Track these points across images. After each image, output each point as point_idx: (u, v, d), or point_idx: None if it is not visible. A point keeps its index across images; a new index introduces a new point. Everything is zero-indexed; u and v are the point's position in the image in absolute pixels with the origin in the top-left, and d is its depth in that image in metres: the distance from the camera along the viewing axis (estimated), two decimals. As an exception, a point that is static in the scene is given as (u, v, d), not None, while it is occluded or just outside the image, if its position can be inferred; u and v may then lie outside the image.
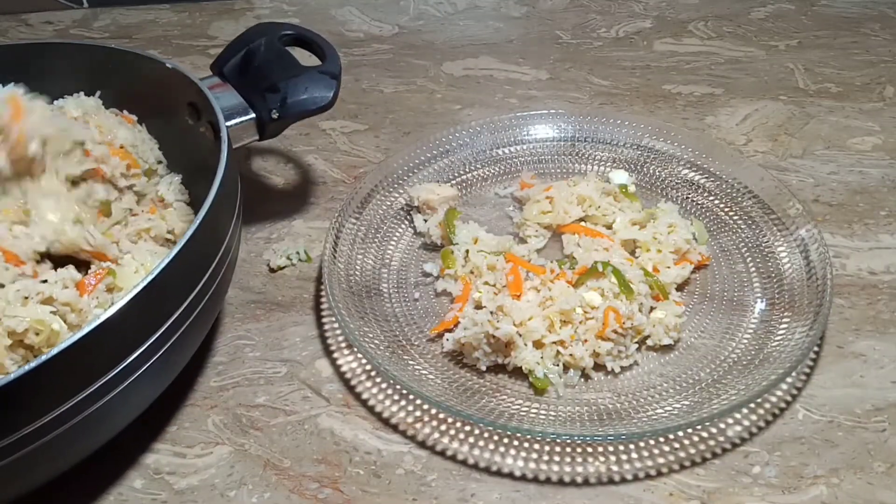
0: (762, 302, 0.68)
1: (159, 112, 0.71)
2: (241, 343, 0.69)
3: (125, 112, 0.72)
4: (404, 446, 0.60)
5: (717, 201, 0.78)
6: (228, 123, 0.65)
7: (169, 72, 0.67)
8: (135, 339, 0.50)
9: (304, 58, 0.72)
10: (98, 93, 0.72)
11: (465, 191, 0.81)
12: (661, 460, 0.58)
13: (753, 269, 0.71)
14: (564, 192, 0.75)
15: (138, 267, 0.60)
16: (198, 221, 0.53)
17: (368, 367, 0.65)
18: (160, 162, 0.72)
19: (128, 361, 0.49)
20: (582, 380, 0.63)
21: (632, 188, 0.78)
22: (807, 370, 0.63)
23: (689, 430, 0.59)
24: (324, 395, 0.64)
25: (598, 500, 0.56)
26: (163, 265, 0.49)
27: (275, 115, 0.68)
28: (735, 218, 0.76)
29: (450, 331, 0.66)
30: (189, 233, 0.52)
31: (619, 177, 0.79)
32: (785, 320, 0.65)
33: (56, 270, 0.57)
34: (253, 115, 0.68)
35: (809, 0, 1.15)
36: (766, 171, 0.77)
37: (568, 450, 0.58)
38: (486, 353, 0.63)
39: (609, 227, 0.74)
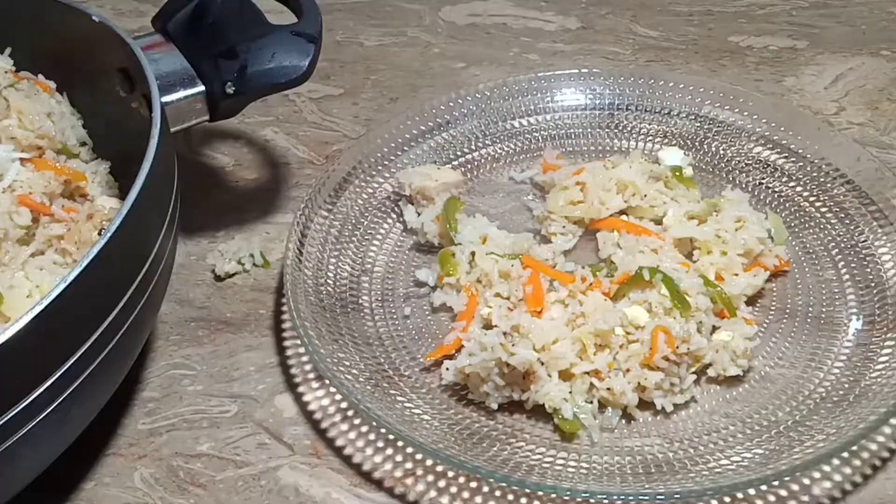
0: (858, 320, 0.68)
1: (84, 79, 0.71)
2: (178, 374, 0.69)
3: (40, 77, 0.72)
4: (391, 508, 0.60)
5: (799, 188, 0.78)
6: (167, 98, 0.65)
7: (95, 27, 0.66)
8: (21, 384, 0.49)
9: (276, 14, 0.71)
10: (8, 50, 0.72)
11: (470, 175, 0.81)
12: (726, 527, 0.58)
13: (847, 276, 0.71)
14: (600, 176, 0.75)
15: (32, 290, 0.60)
16: (109, 234, 0.52)
17: (344, 405, 0.65)
18: (84, 144, 0.72)
19: (10, 415, 0.49)
20: (623, 421, 0.63)
21: (688, 171, 0.78)
22: (917, 409, 0.63)
23: (764, 488, 0.59)
24: (286, 442, 0.64)
25: (645, 578, 0.56)
26: (58, 292, 0.49)
27: (230, 90, 0.67)
28: (823, 210, 0.76)
29: (450, 357, 0.66)
30: (95, 249, 0.51)
31: (672, 156, 0.79)
32: (889, 343, 0.65)
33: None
34: (201, 87, 0.67)
35: (920, -75, 1.15)
36: (863, 149, 0.77)
37: (605, 513, 0.59)
38: (498, 387, 0.63)
39: (658, 222, 0.74)
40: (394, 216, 0.78)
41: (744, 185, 0.79)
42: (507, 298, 0.68)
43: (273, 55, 0.68)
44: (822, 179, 0.77)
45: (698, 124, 0.83)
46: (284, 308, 0.71)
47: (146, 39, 0.70)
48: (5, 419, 0.49)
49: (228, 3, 0.69)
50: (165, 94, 0.65)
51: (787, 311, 0.70)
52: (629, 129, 0.84)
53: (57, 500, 0.61)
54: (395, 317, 0.70)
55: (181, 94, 0.67)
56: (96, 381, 0.54)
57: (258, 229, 0.80)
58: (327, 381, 0.65)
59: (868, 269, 0.71)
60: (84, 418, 0.58)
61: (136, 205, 0.54)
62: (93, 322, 0.53)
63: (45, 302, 0.48)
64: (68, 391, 0.52)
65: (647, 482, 0.58)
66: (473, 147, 0.83)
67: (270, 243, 0.78)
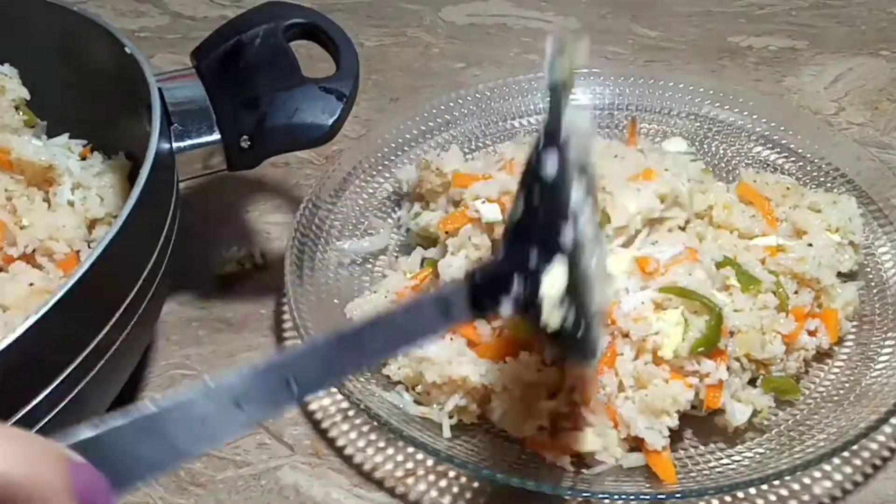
0: (857, 319, 0.68)
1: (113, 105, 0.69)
2: (179, 374, 0.69)
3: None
4: (392, 508, 0.60)
5: (799, 188, 0.78)
6: (181, 144, 0.63)
7: (126, 58, 0.64)
8: (24, 390, 0.49)
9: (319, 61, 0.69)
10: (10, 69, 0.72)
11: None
12: (727, 526, 0.58)
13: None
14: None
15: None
16: (109, 237, 0.52)
17: (345, 405, 0.65)
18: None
19: (13, 421, 0.48)
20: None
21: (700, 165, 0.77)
22: (917, 408, 0.63)
23: (765, 487, 0.59)
24: (286, 442, 0.64)
25: (646, 578, 0.56)
26: (59, 296, 0.48)
27: (244, 144, 0.64)
28: (823, 209, 0.76)
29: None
30: (96, 253, 0.51)
31: (676, 146, 0.79)
32: (889, 343, 0.65)
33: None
34: (217, 136, 0.65)
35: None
36: (863, 149, 0.77)
37: (605, 513, 0.59)
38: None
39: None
40: (394, 216, 0.78)
41: (744, 185, 0.79)
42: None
43: (296, 111, 0.65)
44: (821, 179, 0.77)
45: (698, 124, 0.83)
46: (285, 308, 0.71)
47: (173, 76, 0.68)
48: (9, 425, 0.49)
49: (265, 48, 0.67)
50: (182, 139, 0.64)
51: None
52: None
53: (57, 500, 0.61)
54: (395, 317, 0.70)
55: (192, 141, 0.65)
56: (99, 384, 0.54)
57: (258, 230, 0.80)
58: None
59: (868, 268, 0.71)
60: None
61: (136, 207, 0.54)
62: (94, 327, 0.53)
63: (45, 308, 0.48)
64: (71, 395, 0.52)
65: (647, 483, 0.58)
66: (474, 146, 0.83)
67: (270, 243, 0.78)
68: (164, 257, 0.60)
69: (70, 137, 0.73)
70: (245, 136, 0.64)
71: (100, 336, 0.53)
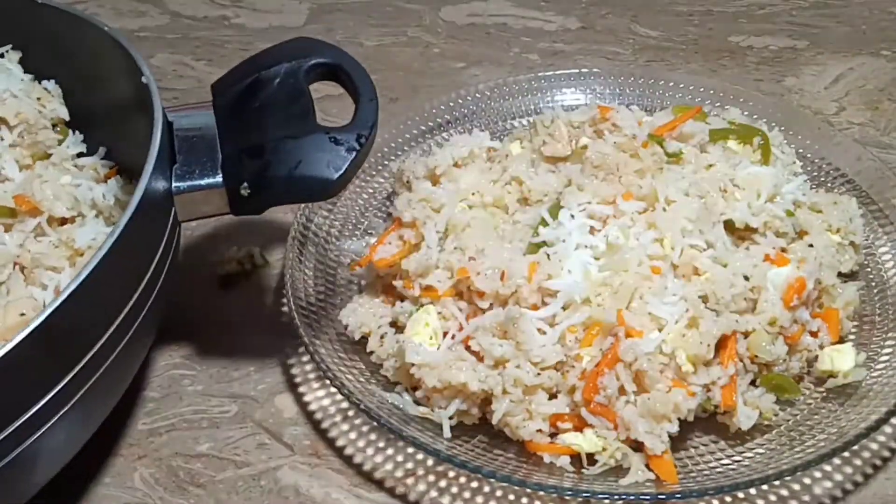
0: (857, 319, 0.68)
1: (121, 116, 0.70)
2: (179, 374, 0.69)
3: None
4: (392, 508, 0.60)
5: (799, 188, 0.78)
6: (181, 185, 0.61)
7: (139, 85, 0.63)
8: (29, 392, 0.49)
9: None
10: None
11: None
12: (727, 526, 0.58)
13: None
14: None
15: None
16: (112, 239, 0.52)
17: (345, 405, 0.65)
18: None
19: (19, 423, 0.49)
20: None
21: None
22: (918, 408, 0.64)
23: (765, 487, 0.59)
24: (286, 442, 0.64)
25: (646, 578, 0.56)
26: (62, 299, 0.49)
27: (244, 192, 0.61)
28: (823, 210, 0.76)
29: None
30: (99, 255, 0.51)
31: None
32: (889, 343, 0.65)
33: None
34: (219, 179, 0.62)
35: (920, -75, 1.16)
36: (863, 149, 0.77)
37: (606, 513, 0.59)
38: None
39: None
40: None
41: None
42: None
43: (299, 163, 0.60)
44: (822, 178, 0.77)
45: (699, 124, 0.83)
46: (284, 308, 0.71)
47: (194, 107, 0.67)
48: (15, 427, 0.49)
49: (283, 89, 0.64)
50: (183, 180, 0.62)
51: (788, 310, 0.70)
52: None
53: (57, 500, 0.61)
54: (395, 317, 0.71)
55: (194, 182, 0.62)
56: (104, 384, 0.54)
57: (258, 229, 0.79)
58: (327, 381, 0.65)
59: (868, 268, 0.71)
60: (91, 424, 0.58)
61: (138, 209, 0.55)
62: (98, 329, 0.53)
63: (49, 309, 0.49)
64: (76, 397, 0.52)
65: (648, 481, 0.58)
66: (473, 147, 0.83)
67: (270, 243, 0.78)
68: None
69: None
70: (245, 184, 0.61)
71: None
